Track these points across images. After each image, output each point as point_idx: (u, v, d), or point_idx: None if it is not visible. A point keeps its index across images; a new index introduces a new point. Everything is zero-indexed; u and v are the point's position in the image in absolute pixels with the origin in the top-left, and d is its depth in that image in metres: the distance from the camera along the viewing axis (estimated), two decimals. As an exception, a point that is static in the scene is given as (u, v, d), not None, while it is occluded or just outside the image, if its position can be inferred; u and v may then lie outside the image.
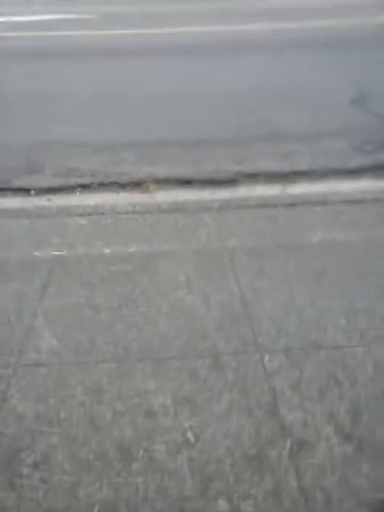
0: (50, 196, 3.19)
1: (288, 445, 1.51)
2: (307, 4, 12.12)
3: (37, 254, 2.54)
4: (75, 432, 1.56)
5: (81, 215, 2.92)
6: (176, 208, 2.98)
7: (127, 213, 2.95)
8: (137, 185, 3.29)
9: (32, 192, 3.25)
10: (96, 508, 1.36)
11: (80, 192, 3.26)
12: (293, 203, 2.98)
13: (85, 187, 3.30)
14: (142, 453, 1.50)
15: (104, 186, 3.31)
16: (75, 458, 1.49)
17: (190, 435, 1.55)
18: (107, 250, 2.56)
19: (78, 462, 1.48)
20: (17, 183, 3.36)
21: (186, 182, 3.32)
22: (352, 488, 1.39)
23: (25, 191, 3.26)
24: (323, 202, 2.97)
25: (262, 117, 4.46)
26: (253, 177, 3.34)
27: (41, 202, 3.13)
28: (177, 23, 9.89)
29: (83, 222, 2.85)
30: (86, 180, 3.36)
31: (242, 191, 3.20)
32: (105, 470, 1.45)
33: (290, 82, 5.53)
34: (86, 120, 4.53)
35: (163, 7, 12.33)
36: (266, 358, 1.84)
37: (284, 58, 6.72)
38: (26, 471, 1.45)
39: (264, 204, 2.98)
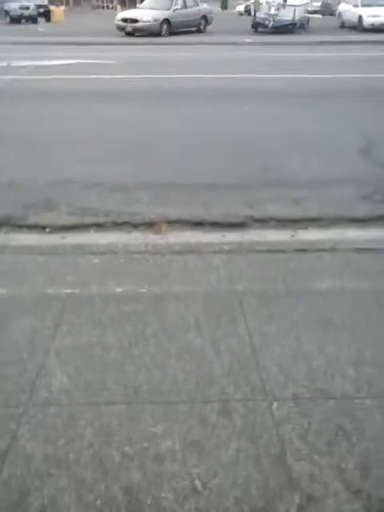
0: (64, 234, 3.26)
1: (296, 497, 1.50)
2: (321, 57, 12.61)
3: (50, 291, 2.59)
4: (83, 475, 1.57)
5: (94, 254, 2.98)
6: (187, 249, 3.04)
7: (139, 253, 3.01)
8: (149, 225, 3.37)
9: (47, 229, 3.34)
10: None
11: (94, 231, 3.34)
12: (302, 249, 3.03)
13: (99, 226, 3.38)
14: (149, 500, 1.49)
15: (117, 225, 3.39)
16: (82, 503, 1.49)
17: (197, 483, 1.55)
18: (119, 289, 2.61)
19: (85, 507, 1.47)
20: (33, 220, 3.45)
21: (198, 224, 3.39)
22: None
23: (40, 228, 3.35)
24: (332, 249, 3.02)
25: (273, 163, 4.59)
26: (263, 221, 3.41)
27: (55, 239, 3.21)
28: (192, 71, 10.32)
29: (96, 260, 2.91)
30: (100, 219, 3.45)
31: (252, 235, 3.26)
32: (112, 516, 1.45)
33: (301, 131, 5.70)
34: (102, 161, 4.68)
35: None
36: (275, 405, 1.85)
37: (295, 106, 6.97)
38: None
39: (274, 249, 3.03)
